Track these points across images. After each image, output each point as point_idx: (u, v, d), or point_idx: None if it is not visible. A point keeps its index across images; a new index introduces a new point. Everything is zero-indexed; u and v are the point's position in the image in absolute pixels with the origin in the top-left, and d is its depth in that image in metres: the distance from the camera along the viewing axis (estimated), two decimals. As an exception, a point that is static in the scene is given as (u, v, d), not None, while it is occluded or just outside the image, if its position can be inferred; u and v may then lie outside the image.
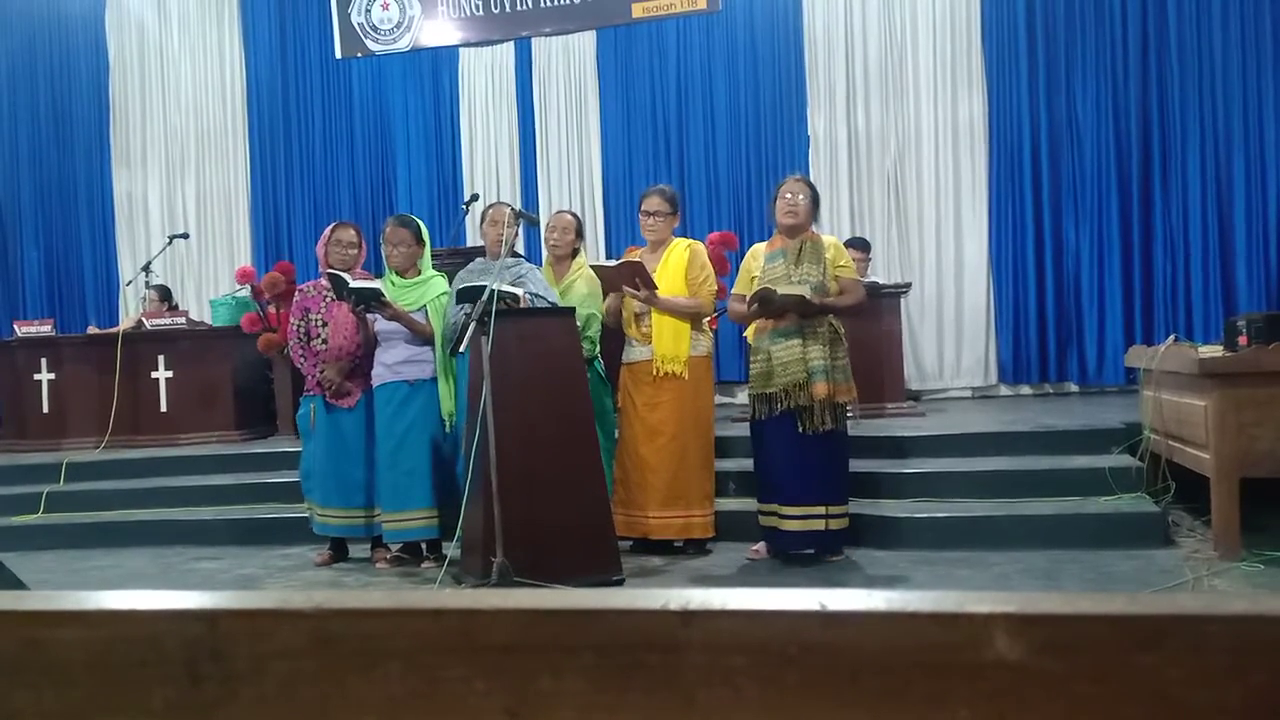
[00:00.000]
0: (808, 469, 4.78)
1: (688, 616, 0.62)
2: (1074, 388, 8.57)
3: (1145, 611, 0.59)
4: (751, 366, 4.95)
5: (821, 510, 4.80)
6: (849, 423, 4.99)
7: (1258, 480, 4.43)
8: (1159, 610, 0.59)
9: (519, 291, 4.70)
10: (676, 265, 5.21)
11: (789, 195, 4.91)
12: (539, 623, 0.64)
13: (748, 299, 4.91)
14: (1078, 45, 8.52)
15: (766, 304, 4.75)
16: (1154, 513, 4.87)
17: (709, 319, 5.46)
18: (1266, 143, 8.18)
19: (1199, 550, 4.56)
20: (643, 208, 5.32)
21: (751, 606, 0.62)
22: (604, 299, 5.27)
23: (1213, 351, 4.74)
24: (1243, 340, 4.66)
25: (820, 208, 5.18)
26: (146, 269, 8.67)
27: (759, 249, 5.09)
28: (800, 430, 4.75)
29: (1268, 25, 8.17)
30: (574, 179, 9.66)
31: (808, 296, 4.68)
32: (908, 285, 7.67)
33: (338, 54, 10.04)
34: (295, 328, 5.46)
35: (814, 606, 0.61)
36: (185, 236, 9.57)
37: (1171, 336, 5.48)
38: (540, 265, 5.51)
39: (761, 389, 4.85)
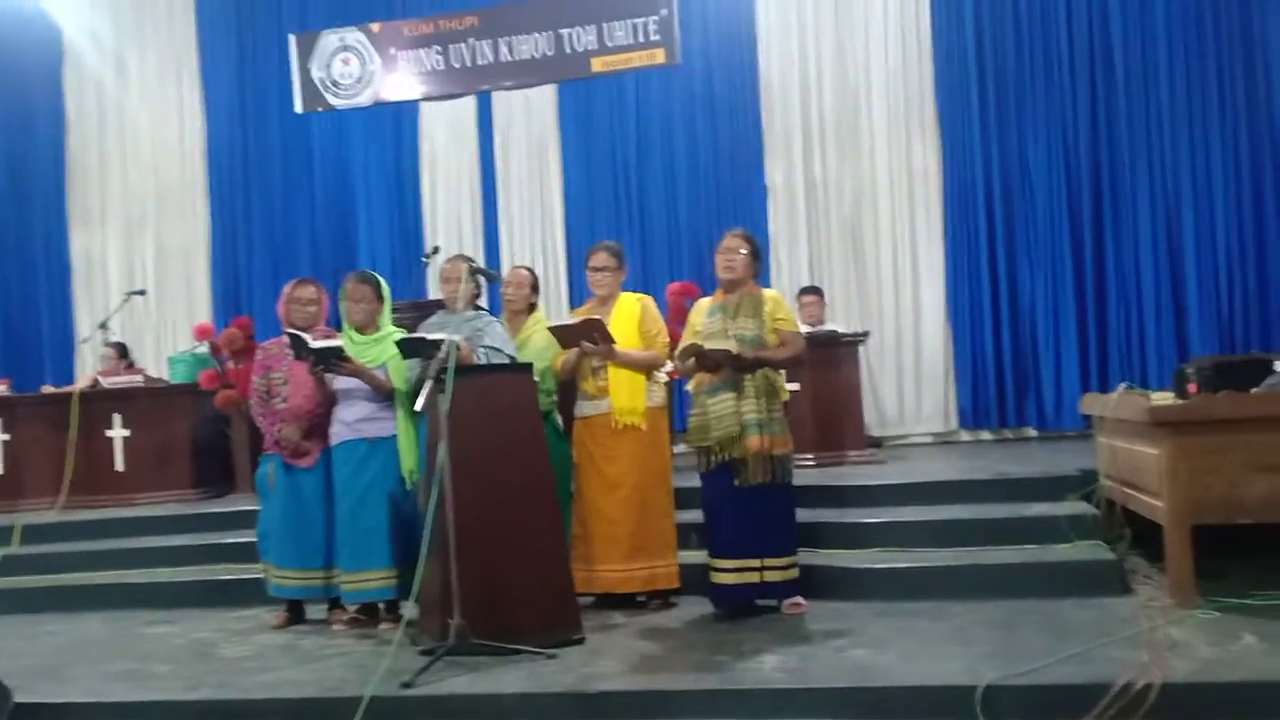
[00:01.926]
0: (743, 522, 4.80)
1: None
2: (1033, 433, 8.63)
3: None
4: (690, 420, 4.99)
5: (757, 563, 4.81)
6: (793, 473, 5.00)
7: (1215, 526, 4.47)
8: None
9: (458, 338, 4.69)
10: (627, 318, 5.25)
11: (727, 251, 5.00)
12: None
13: (676, 355, 5.01)
14: (1028, 94, 8.67)
15: (700, 359, 4.81)
16: (1111, 560, 4.89)
17: (671, 370, 5.49)
18: (1214, 188, 8.34)
19: (1155, 598, 4.58)
20: (589, 264, 5.40)
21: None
22: (561, 355, 5.28)
23: (1164, 398, 4.79)
24: (1192, 388, 4.72)
25: (764, 260, 5.27)
26: (104, 326, 8.59)
27: (703, 304, 5.18)
28: (736, 484, 4.78)
29: (1211, 74, 8.36)
30: (535, 232, 9.69)
31: (733, 350, 4.74)
32: (866, 334, 7.73)
33: (298, 109, 9.97)
34: (257, 385, 5.43)
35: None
36: (142, 293, 9.47)
37: (1123, 384, 5.54)
38: (499, 318, 5.52)
39: (699, 442, 4.90)
